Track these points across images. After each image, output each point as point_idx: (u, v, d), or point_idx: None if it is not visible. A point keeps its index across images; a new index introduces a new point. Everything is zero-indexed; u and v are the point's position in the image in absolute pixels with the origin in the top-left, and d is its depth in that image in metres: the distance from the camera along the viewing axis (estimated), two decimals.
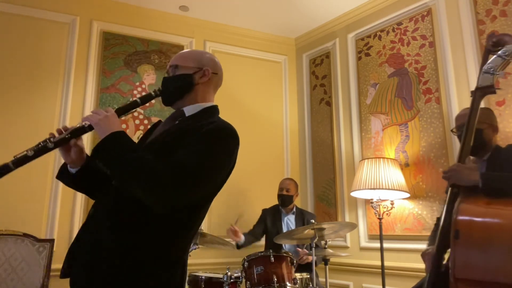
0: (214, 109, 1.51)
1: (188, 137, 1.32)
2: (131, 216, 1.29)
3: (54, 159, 3.35)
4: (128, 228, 1.29)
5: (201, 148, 1.28)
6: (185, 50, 1.57)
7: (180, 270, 1.36)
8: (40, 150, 1.32)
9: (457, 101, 3.12)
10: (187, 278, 1.49)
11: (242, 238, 3.41)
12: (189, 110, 1.47)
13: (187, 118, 1.45)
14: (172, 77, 1.49)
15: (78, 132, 1.38)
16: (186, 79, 1.47)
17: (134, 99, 1.50)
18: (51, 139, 1.34)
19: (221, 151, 1.33)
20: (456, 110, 3.11)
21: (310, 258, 3.17)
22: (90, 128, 1.36)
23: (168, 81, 1.50)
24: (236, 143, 1.41)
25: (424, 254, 2.11)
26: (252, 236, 3.54)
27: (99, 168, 1.38)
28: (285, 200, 3.55)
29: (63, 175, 1.51)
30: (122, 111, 1.45)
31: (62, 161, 1.51)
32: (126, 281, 1.24)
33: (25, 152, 1.31)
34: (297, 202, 3.75)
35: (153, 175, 1.21)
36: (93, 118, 1.35)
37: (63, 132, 1.38)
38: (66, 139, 1.37)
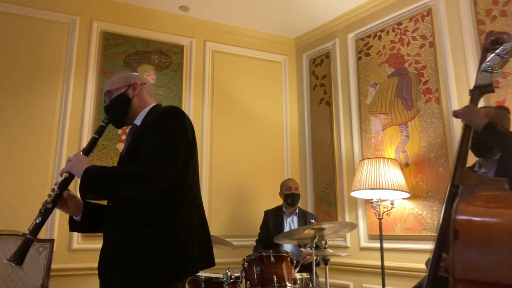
0: (156, 107, 1.71)
1: (142, 139, 1.56)
2: (130, 220, 1.51)
3: (54, 160, 3.35)
4: (131, 230, 1.50)
5: (154, 138, 1.52)
6: (110, 78, 1.84)
7: (191, 247, 1.53)
8: (45, 213, 1.57)
9: (457, 101, 3.12)
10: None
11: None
12: (138, 120, 1.69)
13: (139, 127, 1.67)
14: (110, 103, 1.72)
15: (65, 184, 1.61)
16: (122, 98, 1.70)
17: (92, 136, 1.72)
18: (47, 201, 1.58)
19: (169, 131, 1.54)
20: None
21: (311, 258, 3.16)
22: (71, 175, 1.60)
23: (109, 108, 1.73)
24: (179, 116, 1.59)
25: (428, 263, 2.10)
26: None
27: (94, 205, 1.71)
28: (295, 198, 3.58)
29: (73, 227, 1.75)
30: (86, 150, 1.68)
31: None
32: (142, 274, 1.46)
33: (35, 221, 1.54)
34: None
35: (129, 176, 1.45)
36: (67, 166, 1.58)
37: (52, 192, 1.62)
38: (59, 194, 1.60)
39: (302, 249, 3.26)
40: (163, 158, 1.46)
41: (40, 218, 1.54)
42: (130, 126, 1.74)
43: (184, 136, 1.57)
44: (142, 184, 1.43)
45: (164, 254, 1.46)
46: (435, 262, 1.62)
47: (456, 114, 1.83)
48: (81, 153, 1.64)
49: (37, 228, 1.53)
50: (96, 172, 1.51)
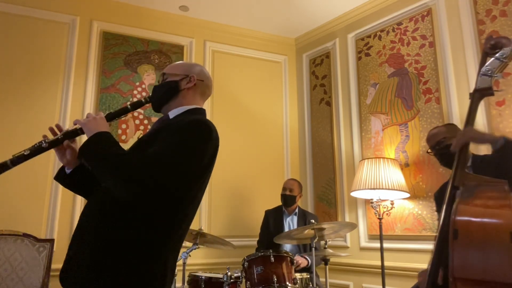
0: (196, 110, 1.57)
1: (163, 132, 1.43)
2: (113, 215, 1.37)
3: (54, 159, 3.35)
4: (110, 226, 1.35)
5: (171, 140, 1.37)
6: (176, 62, 1.72)
7: (161, 268, 1.37)
8: (36, 150, 1.44)
9: (457, 101, 3.13)
10: (173, 280, 1.51)
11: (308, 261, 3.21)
12: (174, 112, 1.56)
13: (170, 120, 1.54)
14: (160, 84, 1.62)
15: (71, 134, 1.50)
16: (172, 85, 1.58)
17: (125, 105, 1.61)
18: (46, 140, 1.46)
19: (190, 141, 1.39)
20: (456, 110, 3.12)
21: (303, 263, 3.16)
22: (81, 131, 1.47)
23: (156, 88, 1.62)
24: (208, 135, 1.45)
25: (420, 274, 2.15)
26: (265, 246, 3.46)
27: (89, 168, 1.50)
28: (287, 200, 3.54)
29: (60, 176, 1.62)
30: (112, 115, 1.57)
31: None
32: (105, 278, 1.30)
33: (22, 152, 1.43)
34: (298, 202, 3.75)
35: (125, 167, 1.30)
36: (83, 120, 1.47)
37: (57, 131, 1.50)
38: (59, 140, 1.49)
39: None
40: (159, 167, 1.30)
41: (29, 151, 1.43)
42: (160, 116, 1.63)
43: (198, 160, 1.41)
44: (120, 177, 1.29)
45: (120, 270, 1.30)
46: (435, 264, 1.61)
47: (454, 147, 1.76)
48: (103, 115, 1.52)
49: (21, 158, 1.42)
50: (103, 142, 1.39)
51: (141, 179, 1.29)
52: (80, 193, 1.67)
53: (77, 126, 1.48)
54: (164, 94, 1.58)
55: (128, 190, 1.31)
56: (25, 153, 1.42)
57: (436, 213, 3.16)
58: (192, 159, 1.39)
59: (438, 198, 2.33)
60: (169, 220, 1.40)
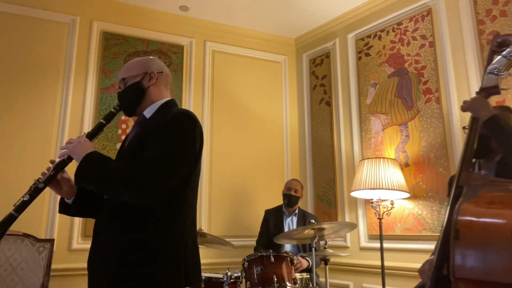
0: (169, 103, 1.63)
1: (150, 136, 1.47)
2: (122, 221, 1.45)
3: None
4: (121, 232, 1.44)
5: (162, 142, 1.43)
6: (128, 62, 1.70)
7: (182, 259, 1.44)
8: (34, 192, 1.50)
9: (457, 101, 3.12)
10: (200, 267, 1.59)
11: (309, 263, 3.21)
12: (148, 112, 1.61)
13: (148, 120, 1.59)
14: (124, 90, 1.63)
15: (61, 166, 1.54)
16: (136, 87, 1.61)
17: (100, 121, 1.64)
18: (40, 180, 1.52)
19: (179, 138, 1.46)
20: (456, 110, 3.11)
21: (304, 265, 3.16)
22: (69, 158, 1.53)
23: (122, 96, 1.65)
24: (192, 125, 1.51)
25: (421, 271, 2.04)
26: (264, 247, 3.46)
27: (87, 189, 1.59)
28: (292, 200, 3.53)
29: (63, 208, 1.66)
30: (91, 134, 1.60)
31: None
32: (129, 281, 1.38)
33: (22, 198, 1.49)
34: (299, 203, 3.75)
35: (127, 179, 1.37)
36: (68, 149, 1.51)
37: (47, 171, 1.55)
38: (53, 176, 1.53)
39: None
40: (165, 168, 1.38)
41: (28, 196, 1.48)
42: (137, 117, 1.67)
43: (192, 148, 1.48)
44: (138, 191, 1.36)
45: (144, 269, 1.38)
46: (439, 263, 1.60)
47: (463, 107, 1.83)
48: (84, 136, 1.56)
49: (23, 206, 1.48)
50: (96, 162, 1.44)
51: (147, 186, 1.35)
52: (89, 216, 1.70)
53: (63, 156, 1.53)
54: (132, 98, 1.61)
55: (137, 199, 1.38)
56: (25, 199, 1.48)
57: (435, 213, 3.16)
58: (187, 151, 1.46)
59: (452, 181, 2.22)
60: (178, 210, 1.48)
